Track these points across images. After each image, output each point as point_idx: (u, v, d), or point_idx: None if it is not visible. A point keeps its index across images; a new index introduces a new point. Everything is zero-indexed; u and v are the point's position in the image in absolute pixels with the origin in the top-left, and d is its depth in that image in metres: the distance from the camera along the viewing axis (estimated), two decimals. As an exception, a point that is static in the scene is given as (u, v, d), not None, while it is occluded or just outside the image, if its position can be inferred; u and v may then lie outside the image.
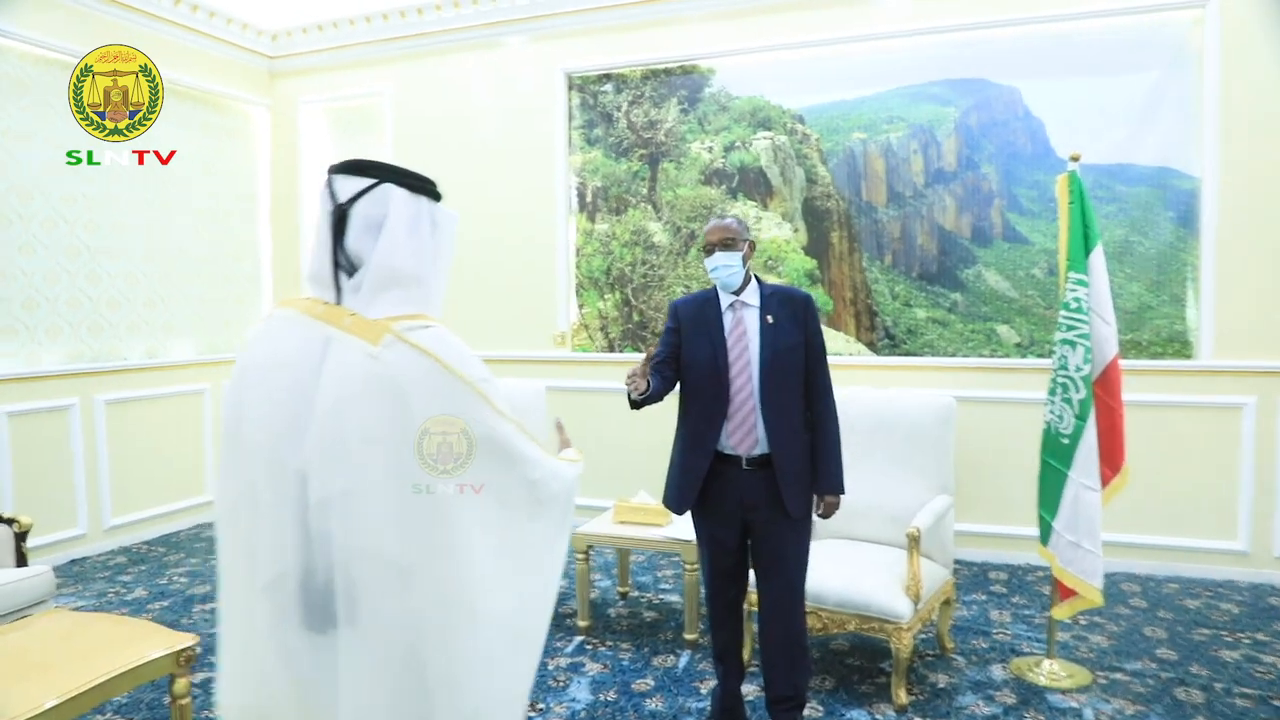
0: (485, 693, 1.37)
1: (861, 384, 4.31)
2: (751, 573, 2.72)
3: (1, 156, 4.49)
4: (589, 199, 5.47)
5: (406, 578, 1.29)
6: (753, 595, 2.90)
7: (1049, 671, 3.20)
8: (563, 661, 3.41)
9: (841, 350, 4.89)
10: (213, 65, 5.70)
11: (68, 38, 4.63)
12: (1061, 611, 3.17)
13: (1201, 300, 4.27)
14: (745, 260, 2.59)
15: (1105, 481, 3.13)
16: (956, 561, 4.27)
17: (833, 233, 4.95)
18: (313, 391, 1.31)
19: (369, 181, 1.39)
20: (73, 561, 4.76)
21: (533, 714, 2.96)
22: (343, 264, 1.39)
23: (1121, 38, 4.35)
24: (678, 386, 2.65)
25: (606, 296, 5.45)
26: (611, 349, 5.43)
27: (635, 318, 5.39)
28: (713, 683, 2.99)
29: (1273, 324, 4.17)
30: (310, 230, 6.06)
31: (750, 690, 3.01)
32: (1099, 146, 4.37)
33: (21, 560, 3.27)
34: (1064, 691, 3.08)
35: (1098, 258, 3.14)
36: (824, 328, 4.96)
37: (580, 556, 3.68)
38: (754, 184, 5.09)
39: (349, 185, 1.39)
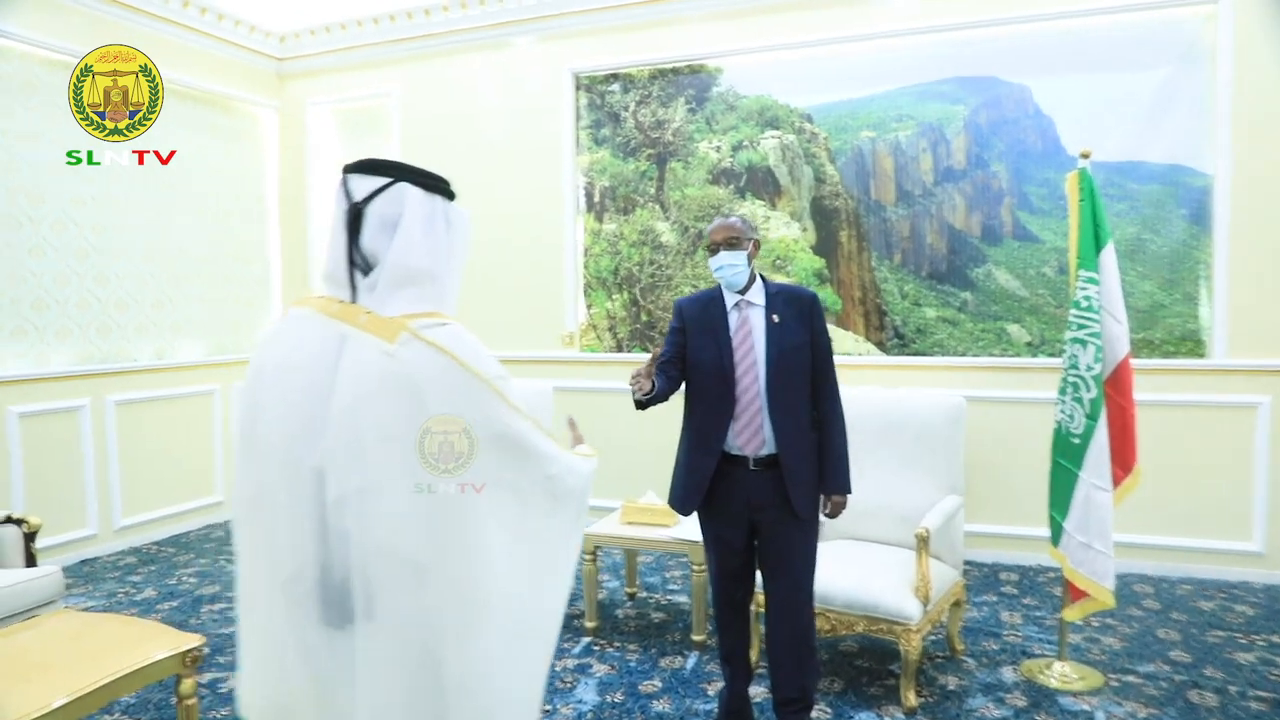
0: (500, 689, 1.38)
1: (871, 384, 4.29)
2: (759, 573, 2.71)
3: (11, 158, 4.52)
4: (597, 199, 5.46)
5: (423, 574, 1.30)
6: (760, 596, 2.88)
7: (1060, 674, 3.17)
8: (570, 663, 3.40)
9: (851, 350, 4.87)
10: (221, 67, 5.72)
11: (77, 40, 4.65)
12: (1073, 613, 3.14)
13: (1215, 298, 4.23)
14: (750, 259, 2.58)
15: (1117, 482, 3.10)
16: (967, 562, 4.24)
17: (841, 232, 4.93)
18: (329, 389, 1.32)
19: (384, 181, 1.40)
20: (83, 562, 4.79)
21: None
22: (358, 262, 1.40)
23: (1132, 34, 4.31)
24: (683, 387, 2.63)
25: (614, 296, 5.44)
26: (619, 349, 5.42)
27: (643, 318, 5.38)
28: (720, 684, 2.97)
29: (1287, 322, 4.12)
30: (319, 231, 6.09)
31: (758, 692, 3.00)
32: (1110, 144, 4.33)
33: (31, 560, 3.28)
34: (1076, 694, 3.05)
35: (1109, 256, 3.11)
36: (833, 327, 5.00)
37: (588, 557, 3.67)
38: (762, 183, 5.07)
39: (364, 184, 1.40)
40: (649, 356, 2.36)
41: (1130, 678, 3.18)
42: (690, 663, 3.39)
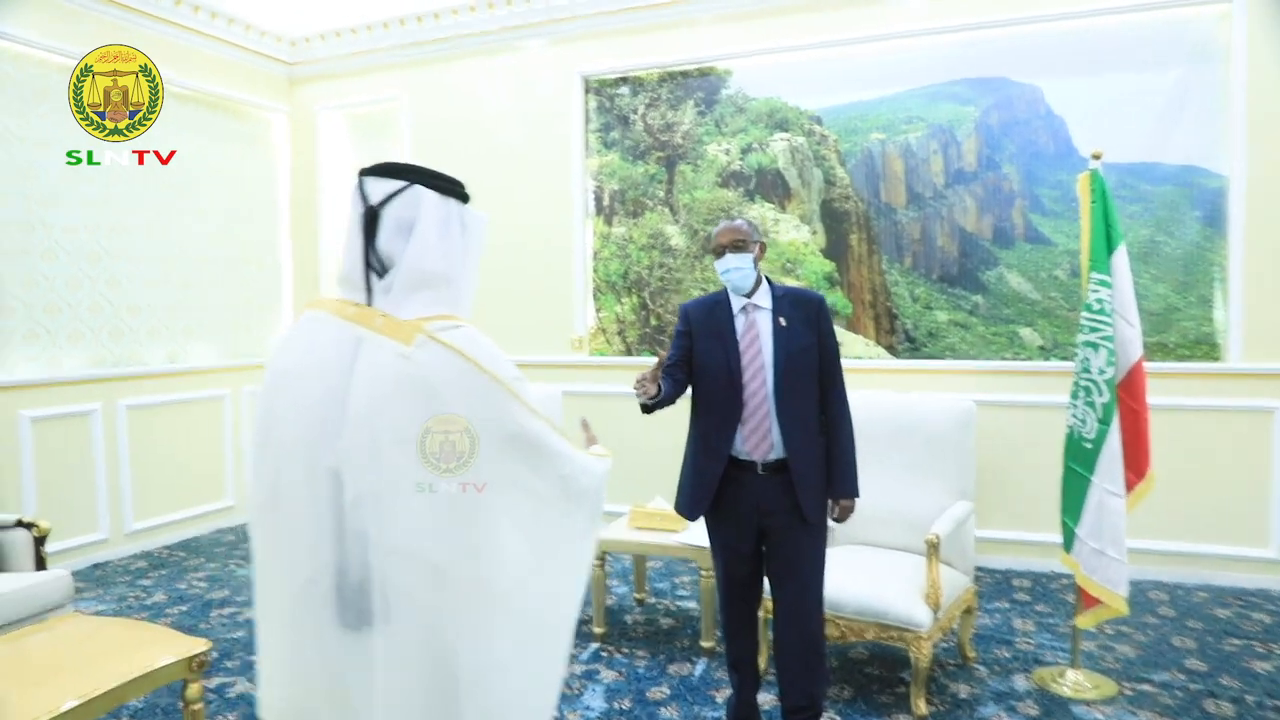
0: (515, 689, 1.39)
1: (881, 388, 4.26)
2: (767, 579, 2.69)
3: (26, 163, 4.56)
4: (606, 202, 5.46)
5: (440, 575, 1.30)
6: (768, 602, 2.86)
7: (1073, 682, 3.13)
8: (578, 669, 3.38)
9: (861, 354, 4.84)
10: (232, 72, 5.75)
11: (91, 46, 4.66)
12: (1086, 620, 3.10)
13: (1230, 301, 4.18)
14: (756, 262, 2.56)
15: (1130, 487, 3.06)
16: (978, 569, 4.21)
17: (851, 235, 4.90)
18: (345, 392, 1.33)
19: (400, 184, 1.41)
20: (94, 566, 4.81)
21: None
22: (374, 265, 1.41)
23: (1144, 34, 4.27)
24: (689, 391, 2.62)
25: (624, 300, 5.43)
26: (629, 353, 5.41)
27: (653, 321, 5.36)
28: (728, 692, 2.95)
29: (1304, 325, 4.07)
30: (330, 235, 6.11)
31: (767, 699, 2.97)
32: (1123, 145, 4.29)
33: (40, 564, 3.30)
34: (1089, 703, 3.01)
35: (1121, 258, 3.07)
36: (843, 331, 4.98)
37: (596, 562, 3.66)
38: (772, 186, 5.05)
39: (380, 187, 1.42)
40: (655, 360, 2.35)
41: (1145, 686, 3.14)
42: (699, 669, 3.37)
